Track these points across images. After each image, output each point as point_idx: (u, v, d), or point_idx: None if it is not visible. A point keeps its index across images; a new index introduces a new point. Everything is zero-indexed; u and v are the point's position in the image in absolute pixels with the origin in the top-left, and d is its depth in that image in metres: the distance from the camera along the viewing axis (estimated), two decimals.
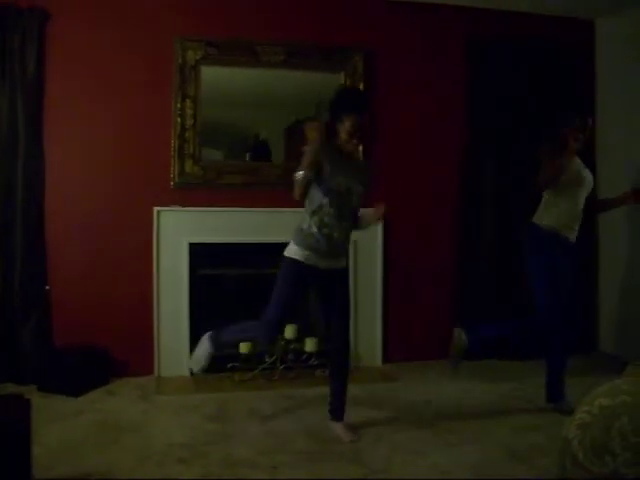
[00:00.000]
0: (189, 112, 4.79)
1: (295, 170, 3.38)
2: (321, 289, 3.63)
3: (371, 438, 3.62)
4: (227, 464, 3.23)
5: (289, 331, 4.74)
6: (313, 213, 3.43)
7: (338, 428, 3.64)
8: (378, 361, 5.17)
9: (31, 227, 4.55)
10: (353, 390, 4.46)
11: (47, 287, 4.61)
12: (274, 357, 4.76)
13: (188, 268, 4.75)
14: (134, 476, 3.08)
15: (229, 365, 4.67)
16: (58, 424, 3.75)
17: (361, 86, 5.05)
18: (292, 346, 4.78)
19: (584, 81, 5.61)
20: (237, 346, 4.38)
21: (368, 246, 5.09)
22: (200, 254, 4.78)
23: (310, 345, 4.79)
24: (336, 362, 3.69)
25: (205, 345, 3.72)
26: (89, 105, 4.68)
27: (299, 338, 4.81)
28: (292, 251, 3.46)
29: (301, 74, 5.03)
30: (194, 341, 4.77)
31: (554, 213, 4.02)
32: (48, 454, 3.26)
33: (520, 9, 5.33)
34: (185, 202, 4.74)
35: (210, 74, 4.84)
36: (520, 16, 5.38)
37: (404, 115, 5.23)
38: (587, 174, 4.08)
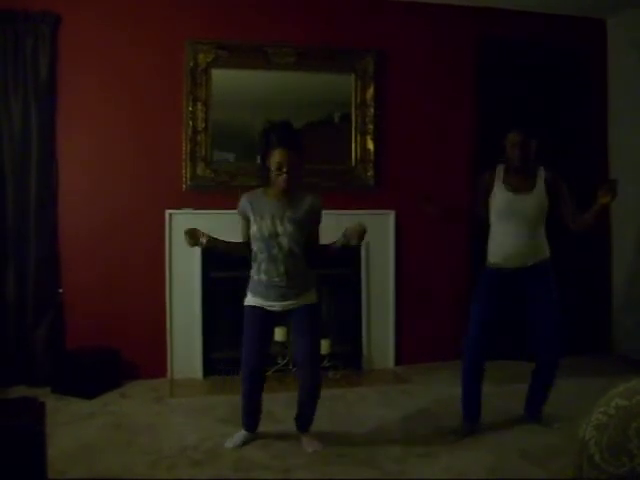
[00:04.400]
0: (200, 115, 4.80)
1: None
2: (290, 325, 3.59)
3: (384, 440, 3.61)
4: (240, 467, 3.24)
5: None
6: (253, 260, 3.42)
7: (302, 438, 3.60)
8: (390, 363, 5.15)
9: (45, 230, 4.57)
10: (366, 392, 4.48)
11: (60, 290, 4.63)
12: (287, 359, 4.75)
13: (201, 271, 4.76)
14: (147, 478, 3.09)
15: None
16: (72, 426, 3.76)
17: (372, 87, 5.05)
18: None
19: (596, 80, 5.58)
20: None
21: (380, 249, 5.09)
22: (213, 257, 4.79)
23: (323, 347, 4.76)
24: (303, 386, 3.57)
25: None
26: (101, 108, 4.70)
27: None
28: (247, 299, 3.47)
29: (312, 76, 5.03)
30: (207, 343, 4.80)
31: (492, 247, 3.76)
32: (62, 456, 3.27)
33: (531, 9, 5.31)
34: (197, 205, 4.75)
35: (221, 77, 4.85)
36: (531, 16, 5.36)
37: (415, 116, 5.22)
38: (519, 198, 3.63)
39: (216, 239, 3.37)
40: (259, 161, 3.43)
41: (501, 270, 3.69)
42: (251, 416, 3.58)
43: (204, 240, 3.30)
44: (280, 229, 3.30)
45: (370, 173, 5.09)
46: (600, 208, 3.65)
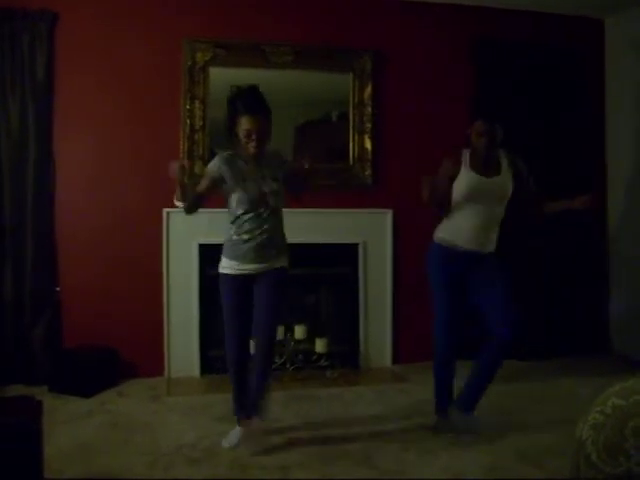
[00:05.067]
0: (198, 113, 4.79)
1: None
2: (256, 292, 3.49)
3: (382, 439, 3.61)
4: (237, 465, 3.24)
5: (299, 332, 4.74)
6: (232, 222, 3.42)
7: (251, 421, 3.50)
8: (388, 362, 5.16)
9: (42, 229, 4.57)
10: (363, 391, 4.48)
11: (58, 288, 4.62)
12: (284, 358, 4.76)
13: (198, 269, 4.76)
14: (144, 477, 3.09)
15: None
16: (69, 425, 3.76)
17: (369, 86, 5.05)
18: (302, 347, 4.78)
19: (593, 80, 5.58)
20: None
21: (378, 247, 5.09)
22: (210, 255, 4.78)
23: (320, 346, 4.79)
24: (255, 357, 3.51)
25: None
26: (98, 107, 4.69)
27: (309, 339, 4.81)
28: (221, 265, 3.47)
29: (310, 74, 5.03)
30: (204, 342, 4.80)
31: (452, 226, 3.68)
32: (59, 455, 3.27)
33: (528, 8, 5.31)
34: None
35: (219, 75, 4.85)
36: (528, 15, 5.36)
37: (412, 115, 5.21)
38: (487, 181, 3.61)
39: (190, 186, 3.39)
40: (226, 126, 3.39)
41: (455, 249, 3.64)
42: (244, 405, 3.53)
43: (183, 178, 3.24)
44: (266, 188, 3.35)
45: (368, 172, 5.09)
46: (570, 207, 3.73)
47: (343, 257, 5.08)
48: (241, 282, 3.42)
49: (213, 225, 4.60)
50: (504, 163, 3.71)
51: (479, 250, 3.64)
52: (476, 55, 5.29)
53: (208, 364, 4.83)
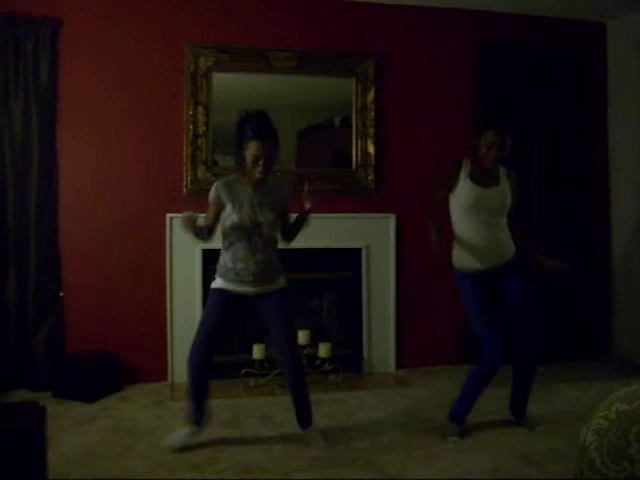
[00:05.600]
0: (201, 119, 4.80)
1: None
2: (259, 313, 3.56)
3: (384, 443, 3.60)
4: (240, 470, 3.23)
5: (302, 337, 4.73)
6: (226, 249, 3.44)
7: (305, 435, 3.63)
8: (391, 367, 5.15)
9: (45, 234, 4.57)
10: (366, 395, 4.47)
11: (61, 294, 4.63)
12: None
13: (201, 275, 4.76)
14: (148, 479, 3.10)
15: (243, 371, 4.67)
16: (73, 430, 3.76)
17: (372, 91, 5.06)
18: (306, 351, 4.77)
19: (596, 83, 5.59)
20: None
21: (381, 252, 5.09)
22: (213, 261, 4.78)
23: (324, 350, 4.79)
24: (287, 374, 3.61)
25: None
26: (101, 112, 4.70)
27: (313, 344, 4.81)
28: (217, 282, 3.49)
29: (312, 79, 5.04)
30: None
31: (459, 249, 3.65)
32: (63, 460, 3.27)
33: (531, 12, 5.31)
34: (198, 209, 4.71)
35: (222, 80, 4.86)
36: (531, 19, 5.37)
37: (415, 120, 5.21)
38: (487, 192, 3.58)
39: (201, 227, 3.40)
40: (235, 150, 3.43)
41: (478, 271, 3.61)
42: (201, 406, 3.56)
43: (194, 225, 3.30)
44: (261, 217, 3.36)
45: (371, 177, 5.09)
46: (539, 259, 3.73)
47: (346, 262, 5.08)
48: (233, 297, 3.45)
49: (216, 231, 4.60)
50: (502, 173, 3.69)
51: (499, 262, 3.63)
52: (479, 59, 5.29)
53: (211, 369, 4.82)
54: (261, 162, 3.27)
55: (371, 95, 5.08)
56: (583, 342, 5.43)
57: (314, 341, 4.82)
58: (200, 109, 4.80)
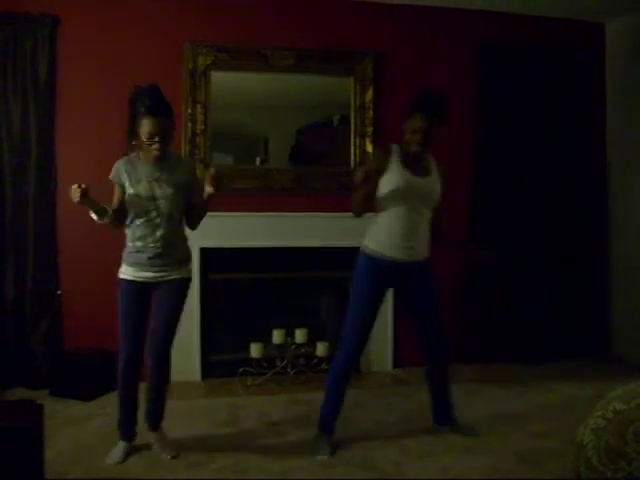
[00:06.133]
0: (200, 117, 4.80)
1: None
2: (155, 301, 3.38)
3: (381, 442, 3.60)
4: (238, 469, 3.23)
5: (300, 335, 4.74)
6: (127, 227, 3.30)
7: (154, 439, 3.48)
8: (389, 366, 5.15)
9: (43, 231, 4.57)
10: (363, 395, 4.47)
11: (59, 292, 4.62)
12: (285, 361, 4.75)
13: (199, 273, 4.76)
14: (145, 477, 3.10)
15: (240, 370, 4.67)
16: (70, 428, 3.76)
17: (371, 90, 5.06)
18: (303, 350, 4.77)
19: (595, 83, 5.59)
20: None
21: None
22: (211, 259, 4.79)
23: (321, 349, 4.79)
24: (154, 375, 3.42)
25: None
26: (100, 110, 4.69)
27: (310, 342, 4.81)
28: (121, 270, 3.33)
29: (311, 78, 5.03)
30: (205, 345, 4.80)
31: (378, 233, 3.46)
32: (60, 458, 3.27)
33: (530, 12, 5.32)
34: None
35: (220, 79, 4.86)
36: (530, 19, 5.37)
37: None
38: (420, 181, 3.42)
39: (92, 201, 3.16)
40: (128, 128, 3.25)
41: (385, 261, 3.43)
42: (130, 419, 3.42)
43: (79, 197, 3.09)
44: (158, 192, 3.21)
45: None
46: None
47: (344, 261, 5.07)
48: (138, 288, 3.28)
49: (214, 229, 4.60)
50: (433, 166, 3.56)
51: (411, 259, 3.45)
52: (478, 59, 5.30)
53: (209, 368, 4.83)
54: (157, 139, 3.13)
55: (369, 94, 5.08)
56: (581, 341, 5.44)
57: (312, 340, 4.82)
58: (199, 108, 4.80)
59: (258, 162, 5.03)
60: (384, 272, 3.45)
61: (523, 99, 5.34)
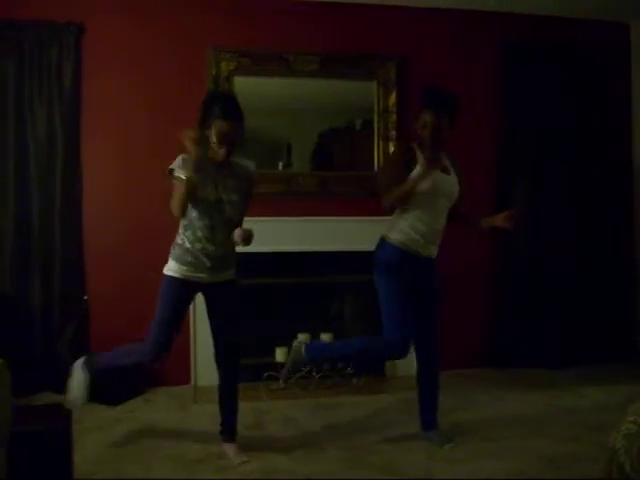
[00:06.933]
0: None
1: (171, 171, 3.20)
2: (207, 303, 3.50)
3: (407, 447, 3.58)
4: (264, 473, 3.23)
5: (325, 339, 4.74)
6: (185, 227, 3.32)
7: (228, 449, 3.46)
8: (414, 369, 5.10)
9: (69, 237, 4.63)
10: (388, 399, 4.46)
11: (85, 297, 4.67)
12: (310, 366, 4.75)
13: None
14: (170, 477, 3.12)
15: (265, 374, 4.68)
16: (98, 432, 3.79)
17: (394, 93, 5.05)
18: None
19: (620, 84, 5.54)
20: (118, 372, 3.78)
21: None
22: (236, 263, 4.80)
23: None
24: (224, 381, 3.50)
25: (78, 375, 3.50)
26: (125, 116, 4.75)
27: None
28: (169, 267, 3.36)
29: (334, 82, 5.04)
30: None
31: (405, 227, 3.43)
32: (88, 462, 3.30)
33: (554, 13, 5.29)
34: None
35: (243, 84, 4.87)
36: (554, 20, 5.34)
37: None
38: (446, 178, 3.47)
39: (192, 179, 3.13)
40: (198, 128, 3.28)
41: (413, 254, 3.44)
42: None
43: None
44: (224, 196, 3.26)
45: None
46: (491, 226, 3.60)
47: (368, 265, 5.06)
48: (186, 287, 3.34)
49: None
50: (451, 164, 3.56)
51: (430, 255, 3.49)
52: (502, 61, 5.28)
53: None
54: (226, 141, 3.19)
55: (393, 98, 5.08)
56: (608, 345, 5.38)
57: None
58: None
59: (280, 167, 5.04)
60: (407, 264, 3.44)
61: (547, 101, 5.31)
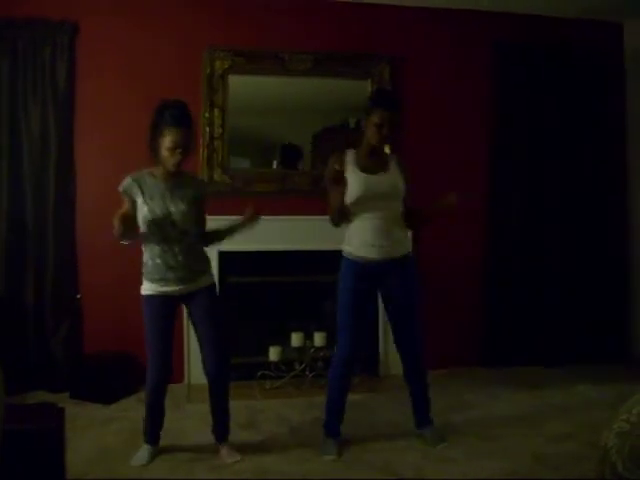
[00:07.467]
0: (217, 121, 4.82)
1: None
2: (189, 312, 3.47)
3: (401, 446, 3.59)
4: (257, 472, 3.23)
5: (318, 339, 4.74)
6: (145, 245, 3.32)
7: (222, 449, 3.46)
8: None
9: (62, 236, 4.62)
10: (383, 397, 4.46)
11: (78, 296, 4.66)
12: (303, 365, 4.75)
13: (218, 276, 4.76)
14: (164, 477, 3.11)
15: (259, 373, 4.68)
16: (91, 431, 3.79)
17: None
18: (322, 354, 4.77)
19: (613, 83, 5.55)
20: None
21: None
22: (230, 262, 4.80)
23: None
24: (214, 389, 3.47)
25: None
26: (119, 114, 4.74)
27: (329, 345, 4.80)
28: (144, 287, 3.35)
29: (328, 81, 5.05)
30: None
31: (351, 235, 3.49)
32: (81, 461, 3.30)
33: (547, 13, 5.30)
34: (214, 211, 4.73)
35: (238, 83, 4.88)
36: (548, 20, 5.35)
37: (431, 122, 5.21)
38: (377, 179, 3.43)
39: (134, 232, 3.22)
40: (150, 139, 3.28)
41: (365, 262, 3.44)
42: (157, 425, 3.46)
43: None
44: (172, 208, 3.22)
45: None
46: (439, 212, 3.65)
47: None
48: (163, 302, 3.32)
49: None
50: (391, 160, 3.54)
51: (387, 257, 3.45)
52: (495, 60, 5.29)
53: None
54: (178, 151, 3.17)
55: None
56: (600, 343, 5.39)
57: (330, 343, 4.81)
58: (216, 112, 4.82)
59: (275, 165, 5.04)
60: (362, 273, 3.46)
61: (540, 100, 5.32)
